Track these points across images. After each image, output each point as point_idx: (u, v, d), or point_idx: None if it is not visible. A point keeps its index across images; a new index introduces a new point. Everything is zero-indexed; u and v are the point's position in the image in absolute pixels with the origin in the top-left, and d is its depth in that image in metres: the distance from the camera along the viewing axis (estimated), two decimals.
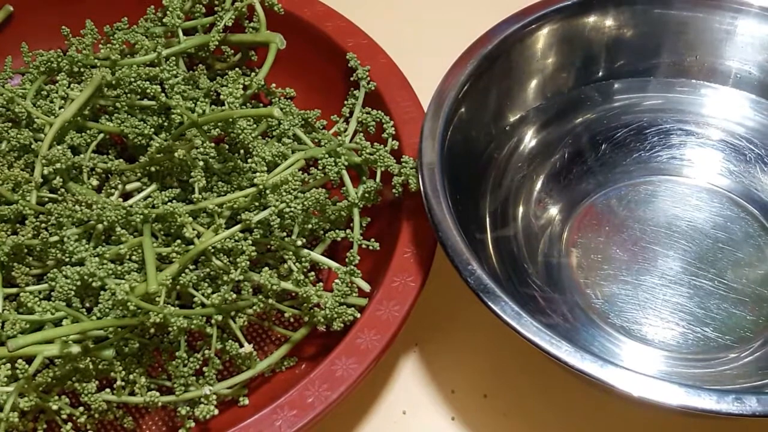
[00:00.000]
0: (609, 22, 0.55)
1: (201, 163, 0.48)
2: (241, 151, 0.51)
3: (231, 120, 0.47)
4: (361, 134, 0.53)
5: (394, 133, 0.52)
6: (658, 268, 0.51)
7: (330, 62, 0.58)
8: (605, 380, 0.39)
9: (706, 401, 0.38)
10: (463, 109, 0.50)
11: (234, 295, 0.45)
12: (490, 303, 0.42)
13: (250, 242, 0.45)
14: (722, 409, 0.38)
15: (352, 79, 0.55)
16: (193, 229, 0.46)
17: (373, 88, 0.54)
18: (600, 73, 0.56)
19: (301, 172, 0.50)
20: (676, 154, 0.56)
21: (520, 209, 0.53)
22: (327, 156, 0.49)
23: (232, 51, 0.58)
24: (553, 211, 0.53)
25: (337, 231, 0.49)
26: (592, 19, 0.55)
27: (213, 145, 0.48)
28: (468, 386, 0.49)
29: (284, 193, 0.46)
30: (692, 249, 0.52)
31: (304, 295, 0.46)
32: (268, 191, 0.46)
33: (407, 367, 0.50)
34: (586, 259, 0.52)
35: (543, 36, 0.53)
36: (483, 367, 0.49)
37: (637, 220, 0.53)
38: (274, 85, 0.59)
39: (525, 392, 0.48)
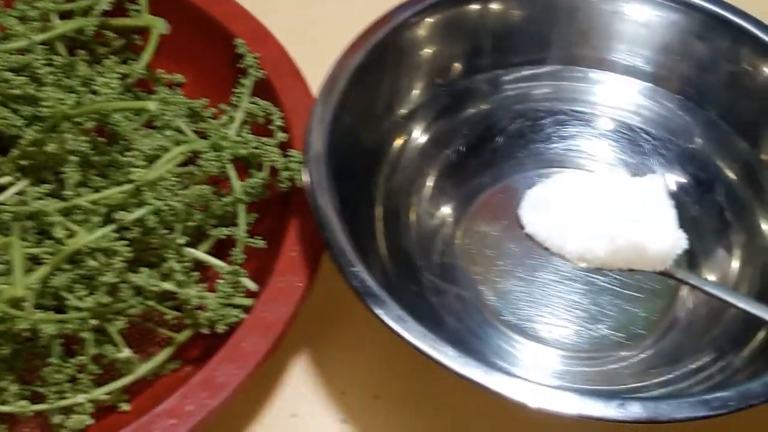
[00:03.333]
0: (495, 7, 0.53)
1: (74, 158, 0.45)
2: (122, 142, 0.48)
3: (105, 113, 0.44)
4: (249, 126, 0.51)
5: (282, 124, 0.50)
6: (553, 263, 0.50)
7: (220, 48, 0.55)
8: (486, 385, 0.38)
9: (590, 407, 0.37)
10: (353, 101, 0.48)
11: (109, 299, 0.42)
12: (373, 306, 0.40)
13: (125, 242, 0.43)
14: (607, 415, 0.37)
15: (240, 66, 0.53)
16: (66, 228, 0.43)
17: (262, 76, 0.52)
18: (490, 62, 0.54)
19: (188, 164, 0.48)
20: (572, 145, 0.55)
21: (414, 206, 0.51)
22: (209, 149, 0.47)
23: (115, 35, 0.55)
24: (448, 206, 0.52)
25: (220, 228, 0.47)
26: (478, 6, 0.53)
27: (86, 138, 0.45)
28: (359, 387, 0.48)
29: (163, 190, 0.44)
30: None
31: (184, 298, 0.44)
32: (144, 188, 0.43)
33: (297, 368, 0.48)
34: (481, 256, 0.51)
35: (430, 24, 0.51)
36: (375, 368, 0.48)
37: None
38: (161, 71, 0.56)
39: (417, 393, 0.47)
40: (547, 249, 0.49)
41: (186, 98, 0.53)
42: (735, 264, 0.50)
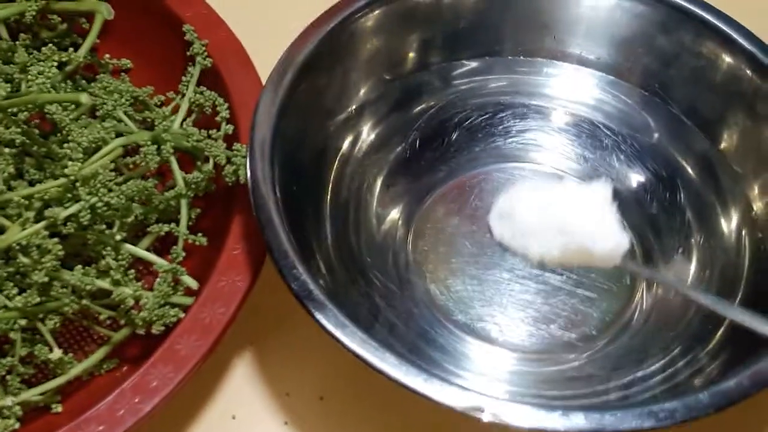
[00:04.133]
0: None
1: (6, 150, 0.43)
2: (60, 134, 0.46)
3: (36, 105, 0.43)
4: (197, 116, 0.50)
5: (228, 116, 0.48)
6: (507, 261, 0.49)
7: (169, 34, 0.53)
8: (424, 393, 0.37)
9: (531, 417, 0.36)
10: (301, 94, 0.46)
11: (38, 299, 0.41)
12: (313, 311, 0.39)
13: (59, 239, 0.41)
14: (548, 426, 0.36)
15: (188, 53, 0.51)
16: None
17: (209, 65, 0.50)
18: (443, 55, 0.53)
19: (131, 154, 0.46)
20: (530, 139, 0.53)
21: (364, 204, 0.49)
22: (150, 142, 0.45)
23: (60, 19, 0.53)
24: (400, 203, 0.50)
25: (160, 225, 0.45)
26: None
27: (19, 130, 0.43)
28: (304, 388, 0.46)
29: (98, 185, 0.42)
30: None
31: (119, 297, 0.42)
32: (78, 183, 0.42)
33: (240, 369, 0.47)
34: (433, 253, 0.49)
35: (381, 15, 0.49)
36: (320, 369, 0.47)
37: (488, 210, 0.51)
38: (108, 56, 0.54)
39: (363, 394, 0.46)
40: (513, 253, 0.47)
41: (131, 86, 0.51)
42: (693, 264, 0.49)
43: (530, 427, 0.36)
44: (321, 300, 0.39)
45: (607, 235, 0.45)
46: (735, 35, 0.49)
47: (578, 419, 0.36)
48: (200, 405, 0.45)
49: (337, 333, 0.38)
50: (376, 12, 0.49)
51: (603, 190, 0.45)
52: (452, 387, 0.37)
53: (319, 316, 0.39)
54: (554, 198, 0.46)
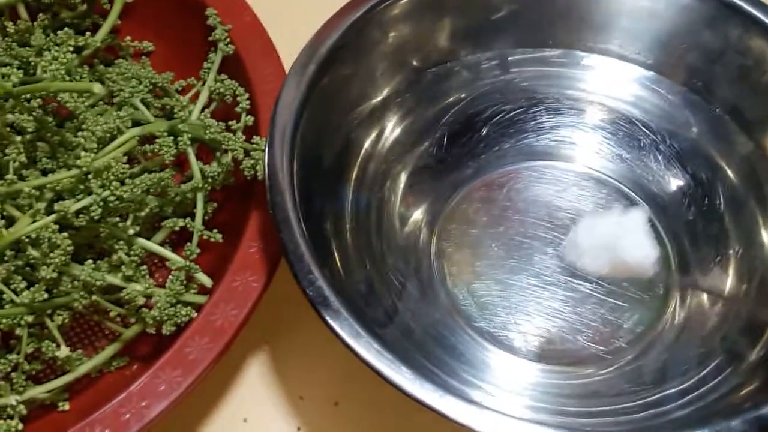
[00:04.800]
0: None
1: (18, 138, 0.42)
2: (76, 120, 0.45)
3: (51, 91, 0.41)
4: (218, 104, 0.48)
5: (249, 107, 0.46)
6: (535, 266, 0.47)
7: (192, 17, 0.52)
8: (440, 410, 0.35)
9: None
10: (325, 86, 0.44)
11: (45, 295, 0.39)
12: (327, 318, 0.37)
13: (66, 235, 0.40)
14: None
15: (210, 39, 0.49)
16: (2, 216, 0.40)
17: (231, 51, 0.48)
18: (474, 45, 0.50)
19: (148, 142, 0.45)
20: (564, 136, 0.51)
21: (387, 201, 0.48)
22: (165, 134, 0.43)
23: None
24: (425, 202, 0.48)
25: (174, 219, 0.43)
26: None
27: (30, 117, 0.42)
28: (318, 393, 0.45)
29: (111, 177, 0.40)
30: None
31: (129, 295, 0.40)
32: (90, 176, 0.40)
33: (253, 369, 0.45)
34: (458, 255, 0.47)
35: (406, 3, 0.47)
36: (335, 373, 0.45)
37: (517, 210, 0.49)
38: (129, 38, 0.53)
39: (378, 401, 0.44)
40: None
41: (151, 71, 0.49)
42: (730, 275, 0.46)
43: None
44: (336, 307, 0.37)
45: (639, 248, 0.43)
46: None
47: None
48: (211, 406, 0.44)
49: (352, 342, 0.37)
50: (403, 2, 0.46)
51: (640, 215, 0.44)
52: (468, 404, 0.35)
53: (333, 324, 0.37)
54: (600, 220, 0.45)
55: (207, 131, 0.43)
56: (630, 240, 0.43)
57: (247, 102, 0.46)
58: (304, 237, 0.39)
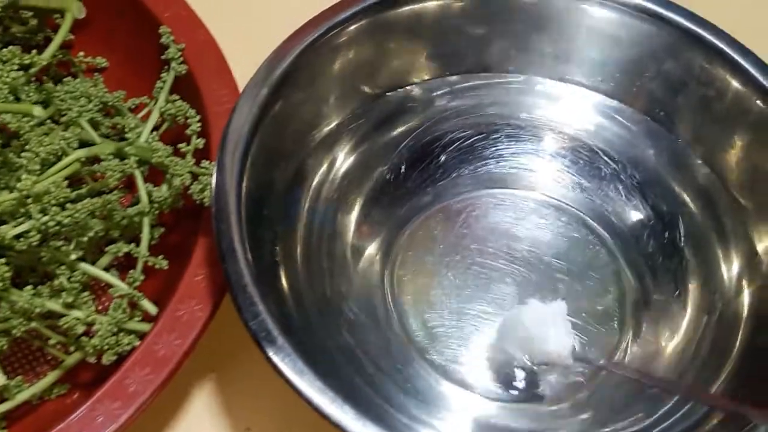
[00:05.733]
0: (437, 6, 0.48)
1: None
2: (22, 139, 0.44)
3: None
4: (170, 124, 0.47)
5: (199, 129, 0.45)
6: (491, 295, 0.46)
7: (147, 34, 0.50)
8: None
9: None
10: (278, 111, 0.43)
11: None
12: (270, 353, 0.36)
13: (4, 261, 0.38)
14: None
15: (163, 57, 0.48)
16: None
17: (183, 71, 0.47)
18: (427, 72, 0.49)
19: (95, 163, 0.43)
20: (523, 164, 0.50)
21: (341, 229, 0.46)
22: (111, 156, 0.42)
23: (31, 13, 0.50)
24: (379, 228, 0.47)
25: (118, 245, 0.42)
26: (417, 6, 0.47)
27: None
28: (266, 423, 0.44)
29: (51, 201, 0.39)
30: (531, 276, 0.47)
31: (66, 325, 0.39)
32: (30, 200, 0.39)
33: (200, 399, 0.44)
34: (413, 283, 0.46)
35: (360, 29, 0.46)
36: (283, 402, 0.44)
37: (475, 239, 0.48)
38: (82, 54, 0.51)
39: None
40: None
41: (102, 89, 0.48)
42: (689, 311, 0.46)
43: None
44: (280, 342, 0.36)
45: (556, 338, 0.42)
46: (745, 63, 0.46)
47: None
48: None
49: (294, 379, 0.36)
50: (357, 26, 0.45)
51: (559, 308, 0.43)
52: None
53: (275, 359, 0.36)
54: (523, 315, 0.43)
55: (154, 155, 0.42)
56: (550, 332, 0.42)
57: (198, 125, 0.45)
58: (249, 267, 0.38)
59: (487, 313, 0.45)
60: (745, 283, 0.45)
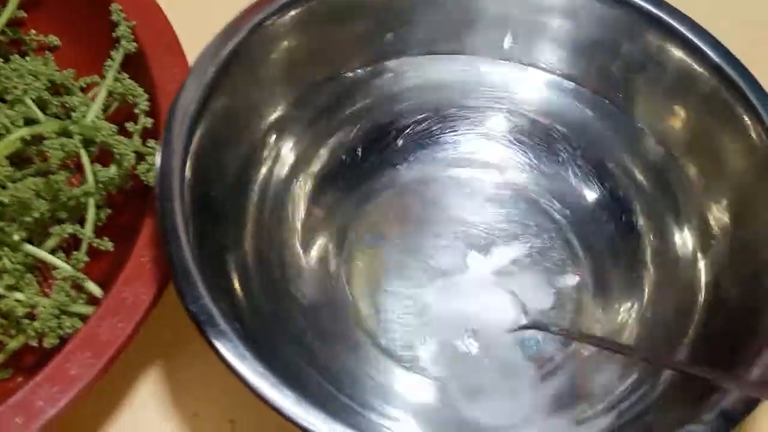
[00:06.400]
0: None
1: None
2: None
3: None
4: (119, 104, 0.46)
5: (148, 108, 0.44)
6: (445, 279, 0.45)
7: (100, 10, 0.49)
8: None
9: None
10: (226, 92, 0.42)
11: None
12: (211, 337, 0.35)
13: None
14: None
15: (114, 35, 0.47)
16: None
17: (133, 49, 0.46)
18: (374, 54, 0.48)
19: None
20: (480, 147, 0.49)
21: (292, 212, 0.46)
22: (55, 135, 0.41)
23: None
24: (331, 213, 0.46)
25: (62, 226, 0.41)
26: None
27: None
28: (213, 410, 0.43)
29: None
30: (487, 259, 0.46)
31: (5, 307, 0.38)
32: None
33: (147, 384, 0.43)
34: (366, 268, 0.45)
35: (299, 15, 0.45)
36: (232, 388, 0.43)
37: (431, 223, 0.47)
38: (34, 32, 0.50)
39: (276, 419, 0.42)
40: None
41: (52, 67, 0.47)
42: (647, 291, 0.45)
43: None
44: (222, 326, 0.35)
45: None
46: (701, 43, 0.45)
47: None
48: (98, 424, 0.42)
49: (236, 364, 0.35)
50: (299, 10, 0.44)
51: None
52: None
53: (217, 344, 0.35)
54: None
55: (98, 133, 0.41)
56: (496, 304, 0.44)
57: (147, 103, 0.44)
58: (192, 249, 0.37)
59: (441, 296, 0.45)
60: (699, 254, 0.44)
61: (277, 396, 0.34)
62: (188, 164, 0.40)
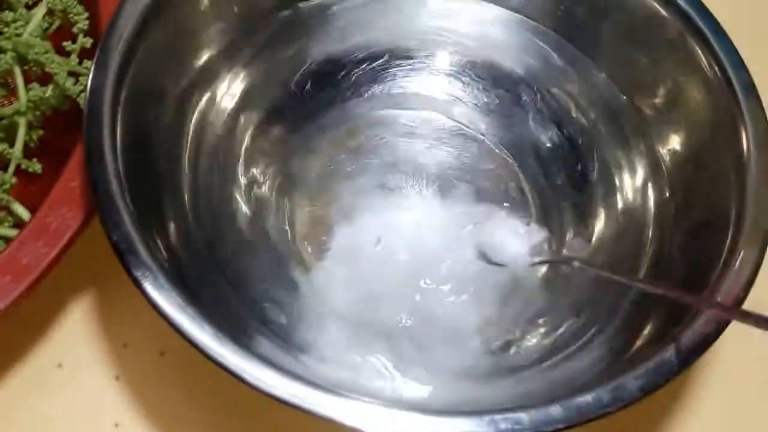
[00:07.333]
0: None
1: None
2: None
3: None
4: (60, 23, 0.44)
5: (86, 27, 0.42)
6: (395, 220, 0.44)
7: None
8: (234, 371, 0.32)
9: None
10: (164, 15, 0.40)
11: None
12: (130, 267, 0.34)
13: None
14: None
15: None
16: None
17: None
18: None
19: None
20: (437, 86, 0.48)
21: (233, 153, 0.44)
22: None
23: None
24: (274, 154, 0.45)
25: None
26: None
27: None
28: (144, 341, 0.42)
29: None
30: (439, 202, 0.45)
31: None
32: None
33: (75, 313, 0.42)
34: (312, 205, 0.44)
35: None
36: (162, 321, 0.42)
37: (382, 161, 0.46)
38: None
39: None
40: None
41: None
42: (593, 240, 0.44)
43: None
44: (142, 256, 0.34)
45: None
46: None
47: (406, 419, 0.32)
48: (22, 350, 0.41)
49: (153, 294, 0.34)
50: None
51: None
52: (271, 370, 0.32)
53: (136, 274, 0.34)
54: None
55: (30, 50, 0.39)
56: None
57: (86, 22, 0.42)
58: (118, 177, 0.36)
59: (388, 240, 0.43)
60: (650, 186, 0.44)
61: (193, 327, 0.33)
62: (124, 88, 0.38)
